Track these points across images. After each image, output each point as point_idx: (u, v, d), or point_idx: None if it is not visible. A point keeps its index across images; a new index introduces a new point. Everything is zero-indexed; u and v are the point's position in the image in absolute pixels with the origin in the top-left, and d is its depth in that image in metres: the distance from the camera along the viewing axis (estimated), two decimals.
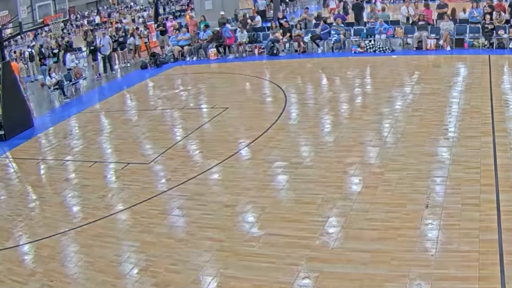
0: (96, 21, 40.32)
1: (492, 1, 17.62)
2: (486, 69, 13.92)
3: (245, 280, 5.89)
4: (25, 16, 14.16)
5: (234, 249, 6.55)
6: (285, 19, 20.46)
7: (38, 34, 32.95)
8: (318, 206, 7.35)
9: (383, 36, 17.77)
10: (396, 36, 17.99)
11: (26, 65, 21.11)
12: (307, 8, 23.28)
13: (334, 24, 18.86)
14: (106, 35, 20.64)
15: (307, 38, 18.78)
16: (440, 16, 18.08)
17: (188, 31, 21.05)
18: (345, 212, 7.08)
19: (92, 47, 19.47)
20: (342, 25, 18.80)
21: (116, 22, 33.36)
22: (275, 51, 18.89)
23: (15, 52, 26.21)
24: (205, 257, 6.42)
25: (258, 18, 23.13)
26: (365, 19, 19.81)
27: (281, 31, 19.29)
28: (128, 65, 20.88)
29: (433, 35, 17.11)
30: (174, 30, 21.39)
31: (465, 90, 12.11)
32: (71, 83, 17.22)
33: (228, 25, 20.74)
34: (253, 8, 28.11)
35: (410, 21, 18.51)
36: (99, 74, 19.28)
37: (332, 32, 18.56)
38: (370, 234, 6.47)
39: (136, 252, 6.79)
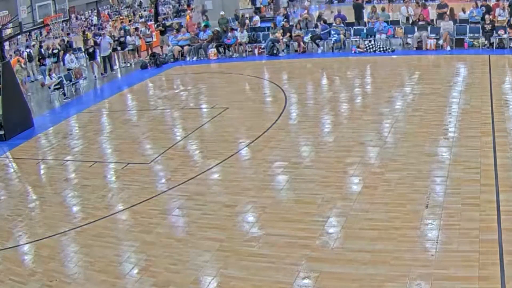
0: (94, 22, 40.15)
1: (489, 1, 17.64)
2: (486, 69, 13.92)
3: (245, 280, 5.89)
4: (25, 16, 14.16)
5: (234, 249, 6.55)
6: (286, 19, 20.44)
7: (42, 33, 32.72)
8: (318, 206, 7.35)
9: (383, 36, 17.78)
10: (396, 36, 18.00)
11: (25, 66, 21.01)
12: (307, 8, 23.22)
13: (334, 24, 18.85)
14: (106, 35, 20.62)
15: (307, 38, 18.77)
16: (440, 16, 18.08)
17: (188, 31, 21.03)
18: (345, 212, 7.08)
19: (91, 50, 19.29)
20: (342, 25, 18.79)
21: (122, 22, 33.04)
22: (275, 51, 18.88)
23: (14, 51, 26.12)
24: (205, 257, 6.42)
25: (257, 18, 23.09)
26: (365, 19, 19.81)
27: (281, 31, 19.28)
28: (128, 65, 20.88)
29: (433, 35, 17.12)
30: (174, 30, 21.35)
31: (465, 90, 12.11)
32: (71, 83, 17.22)
33: (236, 32, 20.04)
34: (253, 8, 28.15)
35: (410, 21, 18.51)
36: (101, 74, 19.22)
37: (332, 32, 18.56)
38: (370, 234, 6.46)
39: (136, 252, 6.79)
